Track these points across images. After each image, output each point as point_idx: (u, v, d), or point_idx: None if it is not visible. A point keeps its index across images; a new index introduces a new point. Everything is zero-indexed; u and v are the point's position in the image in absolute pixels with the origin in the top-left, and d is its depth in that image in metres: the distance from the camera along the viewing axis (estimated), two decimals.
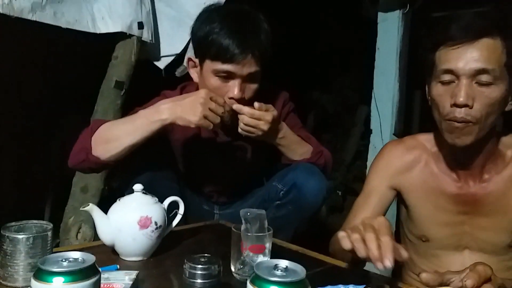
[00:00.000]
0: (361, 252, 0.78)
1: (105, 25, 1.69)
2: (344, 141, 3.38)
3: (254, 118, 1.20)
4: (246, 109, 1.20)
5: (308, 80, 3.39)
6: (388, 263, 0.75)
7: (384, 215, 1.17)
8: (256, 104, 1.21)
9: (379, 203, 1.18)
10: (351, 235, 0.80)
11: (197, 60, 1.28)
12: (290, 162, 1.32)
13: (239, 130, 1.23)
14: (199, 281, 0.75)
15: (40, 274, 0.57)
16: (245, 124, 1.21)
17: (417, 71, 2.44)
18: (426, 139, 1.16)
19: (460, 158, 1.08)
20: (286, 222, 1.26)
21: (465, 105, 0.95)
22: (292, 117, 1.43)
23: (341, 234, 0.83)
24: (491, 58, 0.94)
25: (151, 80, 1.76)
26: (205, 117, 1.14)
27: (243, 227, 0.91)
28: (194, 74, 1.32)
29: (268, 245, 0.90)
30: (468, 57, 0.94)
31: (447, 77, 0.98)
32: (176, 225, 1.09)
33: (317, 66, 3.39)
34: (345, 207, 3.36)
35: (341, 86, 3.56)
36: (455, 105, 0.96)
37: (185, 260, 0.76)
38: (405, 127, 2.42)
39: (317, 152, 1.33)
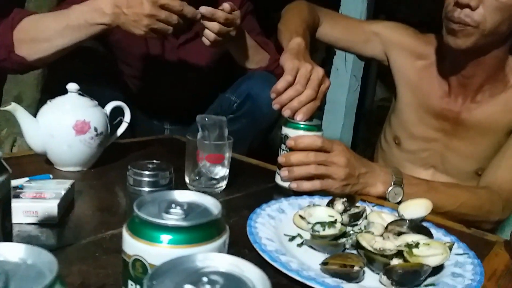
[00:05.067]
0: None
1: None
2: None
3: (226, 23, 0.99)
4: (220, 13, 0.97)
5: None
6: (299, 117, 0.81)
7: (346, 49, 1.18)
8: (226, 5, 0.99)
9: (354, 32, 1.14)
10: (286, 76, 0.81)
11: None
12: (245, 70, 1.18)
13: (206, 40, 1.01)
14: (146, 189, 0.62)
15: None
16: (217, 33, 0.98)
17: None
18: (442, 42, 1.05)
19: (459, 69, 0.99)
20: (241, 136, 1.14)
21: (466, 5, 0.85)
22: (249, 19, 1.26)
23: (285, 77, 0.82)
24: None
25: None
26: (153, 31, 0.94)
27: (199, 134, 0.79)
28: None
29: (227, 155, 0.79)
30: None
31: None
32: (122, 136, 0.95)
33: None
34: None
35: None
36: (457, 4, 0.87)
37: (129, 166, 0.64)
38: None
39: (275, 60, 1.17)
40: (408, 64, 1.08)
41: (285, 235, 0.63)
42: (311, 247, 0.60)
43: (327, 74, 0.86)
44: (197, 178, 0.79)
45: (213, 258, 0.28)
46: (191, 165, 0.79)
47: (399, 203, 0.80)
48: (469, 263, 0.57)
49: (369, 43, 1.12)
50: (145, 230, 0.34)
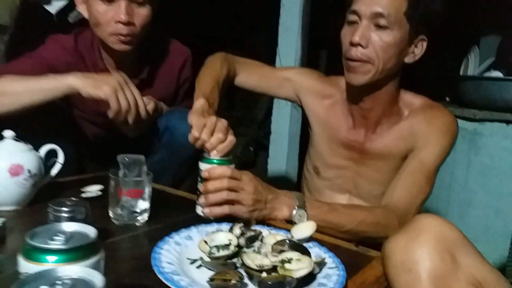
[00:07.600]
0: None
1: None
2: (256, 99, 3.43)
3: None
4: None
5: (216, 37, 3.32)
6: (212, 154, 0.93)
7: (267, 94, 1.33)
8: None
9: (269, 79, 1.28)
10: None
11: None
12: None
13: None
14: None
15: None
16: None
17: (321, 29, 2.53)
18: (344, 82, 1.21)
19: (360, 103, 1.14)
20: (163, 167, 1.27)
21: (359, 44, 1.02)
22: (187, 87, 1.42)
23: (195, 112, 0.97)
24: (390, 4, 1.00)
25: (43, 25, 1.61)
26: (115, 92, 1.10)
27: (120, 172, 0.89)
28: (83, 10, 1.24)
29: (147, 190, 0.90)
30: (370, 1, 1.01)
31: (352, 18, 1.05)
32: (60, 176, 1.05)
33: (224, 23, 3.33)
34: (257, 162, 3.46)
35: (252, 44, 3.55)
36: (351, 43, 1.03)
37: (49, 204, 0.73)
38: None
39: None
40: (317, 104, 1.23)
41: (187, 259, 0.73)
42: (209, 268, 0.71)
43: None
44: (119, 212, 0.88)
45: (70, 269, 0.39)
46: (114, 200, 0.89)
47: None
48: (336, 275, 0.69)
49: (282, 88, 1.28)
50: (34, 253, 0.45)
